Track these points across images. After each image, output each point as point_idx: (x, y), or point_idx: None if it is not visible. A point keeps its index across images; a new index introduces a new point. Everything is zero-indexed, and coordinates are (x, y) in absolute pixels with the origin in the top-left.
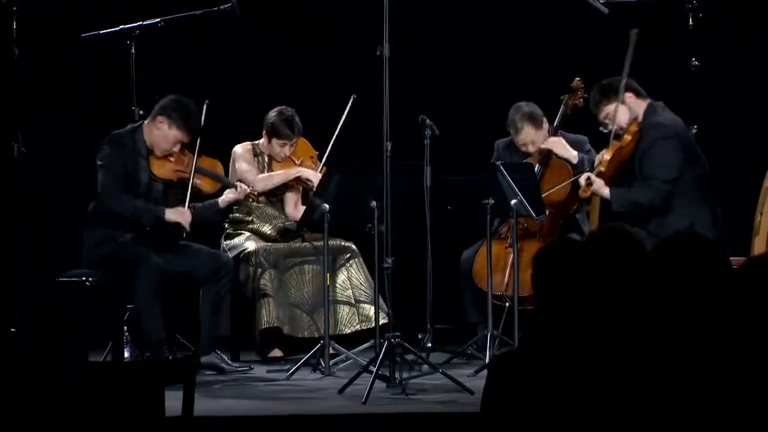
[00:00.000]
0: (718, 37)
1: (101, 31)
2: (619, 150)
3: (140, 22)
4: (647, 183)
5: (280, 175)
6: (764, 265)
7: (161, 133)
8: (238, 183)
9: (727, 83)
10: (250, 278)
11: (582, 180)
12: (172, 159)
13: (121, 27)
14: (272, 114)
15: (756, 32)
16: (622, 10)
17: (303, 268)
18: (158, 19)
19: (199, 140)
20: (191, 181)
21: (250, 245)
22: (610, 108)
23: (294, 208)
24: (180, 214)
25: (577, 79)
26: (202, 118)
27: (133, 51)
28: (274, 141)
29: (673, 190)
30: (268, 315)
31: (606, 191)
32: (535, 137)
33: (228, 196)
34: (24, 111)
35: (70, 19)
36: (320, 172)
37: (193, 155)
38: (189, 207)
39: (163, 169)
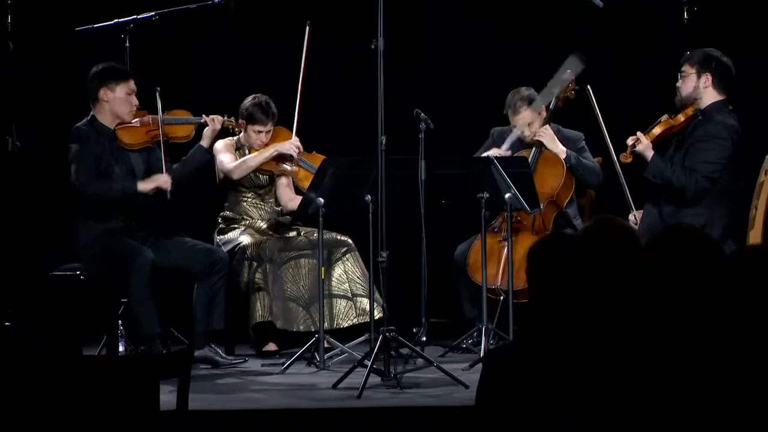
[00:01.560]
0: (713, 31)
1: (95, 25)
2: (670, 128)
3: (135, 16)
4: (689, 171)
5: (255, 158)
6: (756, 256)
7: (114, 101)
8: (207, 117)
9: None
10: (245, 272)
11: (629, 141)
12: (138, 125)
13: (115, 21)
14: (246, 101)
15: (751, 26)
16: (616, 3)
17: (299, 262)
18: (153, 13)
19: (158, 95)
20: (161, 136)
21: (245, 239)
22: (689, 70)
23: (289, 200)
24: (154, 180)
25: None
26: (159, 106)
27: (127, 44)
28: (250, 128)
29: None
30: (263, 309)
31: (650, 154)
32: (532, 120)
33: (207, 132)
34: (18, 105)
35: (65, 12)
36: (294, 135)
37: (156, 114)
38: (166, 166)
39: (134, 137)
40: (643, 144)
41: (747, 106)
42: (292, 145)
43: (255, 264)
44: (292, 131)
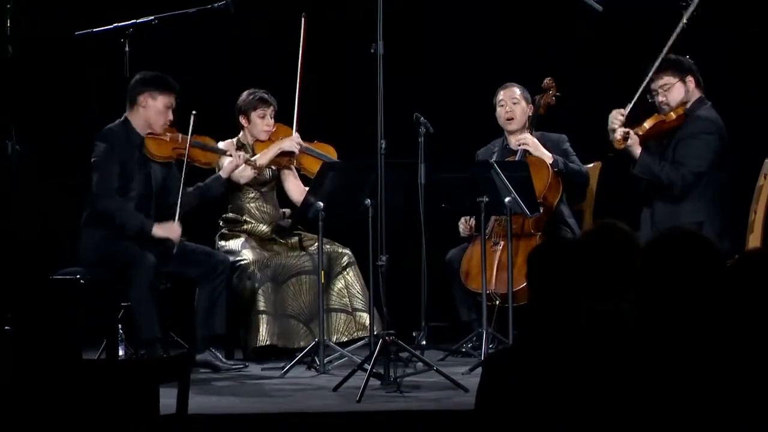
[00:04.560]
0: (713, 35)
1: (95, 29)
2: (661, 123)
3: (134, 20)
4: (676, 167)
5: (269, 151)
6: (757, 260)
7: (151, 109)
8: (235, 153)
9: (721, 81)
10: (247, 290)
11: (619, 133)
12: (167, 139)
13: (115, 25)
14: (241, 97)
15: (750, 30)
16: (616, 7)
17: (300, 279)
18: (152, 17)
19: (192, 118)
20: (186, 158)
21: (248, 255)
22: (671, 80)
23: (300, 193)
24: (169, 230)
25: (548, 78)
26: (190, 128)
27: (127, 49)
28: (254, 116)
29: (698, 184)
30: (264, 334)
31: (638, 151)
32: (518, 100)
33: (228, 165)
34: (18, 109)
35: (64, 16)
36: (295, 131)
37: (187, 135)
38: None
39: (161, 149)
40: (633, 139)
41: (746, 109)
42: (293, 141)
43: (257, 285)
44: (292, 128)
